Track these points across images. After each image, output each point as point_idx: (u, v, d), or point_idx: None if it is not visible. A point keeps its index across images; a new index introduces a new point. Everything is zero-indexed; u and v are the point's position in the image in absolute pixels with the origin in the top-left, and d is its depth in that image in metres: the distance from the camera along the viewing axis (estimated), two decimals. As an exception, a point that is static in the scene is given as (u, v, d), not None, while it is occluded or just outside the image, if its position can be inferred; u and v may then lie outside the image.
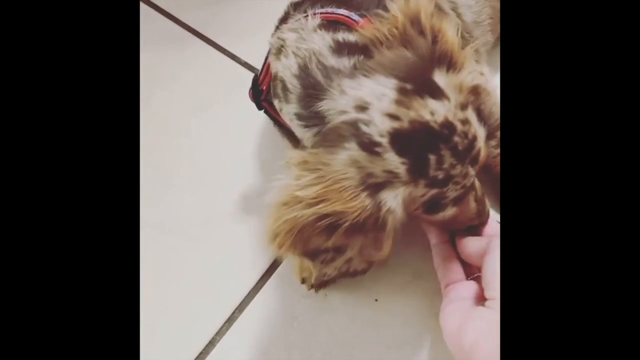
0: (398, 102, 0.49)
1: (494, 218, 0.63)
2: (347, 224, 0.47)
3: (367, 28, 0.56)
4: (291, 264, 0.71)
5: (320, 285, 0.68)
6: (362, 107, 0.49)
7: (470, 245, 0.59)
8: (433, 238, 0.64)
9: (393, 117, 0.48)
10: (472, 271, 0.60)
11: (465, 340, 0.49)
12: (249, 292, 0.71)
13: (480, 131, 0.53)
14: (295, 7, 0.66)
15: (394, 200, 0.48)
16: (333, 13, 0.61)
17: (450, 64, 0.52)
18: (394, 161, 0.48)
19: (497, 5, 0.76)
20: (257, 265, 0.73)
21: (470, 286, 0.58)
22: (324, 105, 0.52)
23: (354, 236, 0.50)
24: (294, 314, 0.68)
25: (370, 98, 0.49)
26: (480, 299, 0.54)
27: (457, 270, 0.60)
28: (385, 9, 0.55)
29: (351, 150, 0.48)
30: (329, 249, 0.52)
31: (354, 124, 0.49)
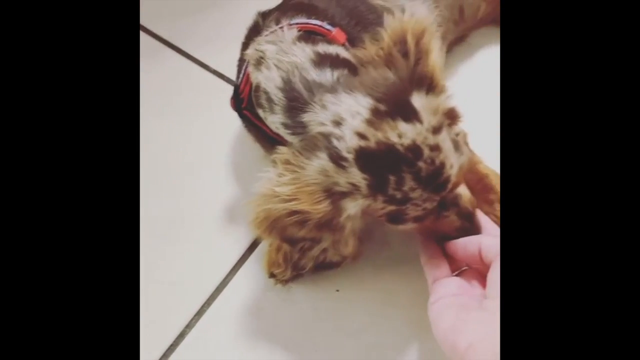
0: (369, 122, 0.52)
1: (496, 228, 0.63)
2: (313, 221, 0.53)
3: (359, 50, 0.60)
4: (258, 259, 0.75)
5: (288, 279, 0.72)
6: (338, 123, 0.53)
7: (458, 244, 0.60)
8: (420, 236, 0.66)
9: (361, 135, 0.52)
10: (458, 265, 0.61)
11: (460, 342, 0.49)
12: (217, 286, 0.74)
13: (453, 159, 0.55)
14: (264, 17, 0.70)
15: (353, 208, 0.54)
16: (307, 23, 0.65)
17: (430, 86, 0.55)
18: (356, 176, 0.52)
19: (446, 13, 0.82)
20: (225, 262, 0.76)
21: (458, 282, 0.58)
22: (306, 117, 0.56)
23: (322, 231, 0.56)
24: (259, 306, 0.72)
25: (345, 115, 0.53)
26: (469, 293, 0.56)
27: (444, 266, 0.61)
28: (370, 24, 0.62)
29: (322, 160, 0.53)
30: (305, 238, 0.58)
31: (327, 137, 0.53)
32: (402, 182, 0.52)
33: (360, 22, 0.70)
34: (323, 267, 0.67)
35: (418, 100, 0.54)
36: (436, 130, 0.54)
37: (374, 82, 0.55)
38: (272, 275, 0.72)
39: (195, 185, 0.84)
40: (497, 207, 0.69)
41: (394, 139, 0.52)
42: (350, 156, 0.52)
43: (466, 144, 0.77)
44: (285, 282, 0.72)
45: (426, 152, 0.52)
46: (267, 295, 0.73)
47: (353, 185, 0.53)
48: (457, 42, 0.92)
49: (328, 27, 0.65)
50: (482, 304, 0.52)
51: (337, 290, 0.71)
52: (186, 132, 0.90)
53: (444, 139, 0.54)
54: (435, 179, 0.53)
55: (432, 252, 0.62)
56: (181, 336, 0.71)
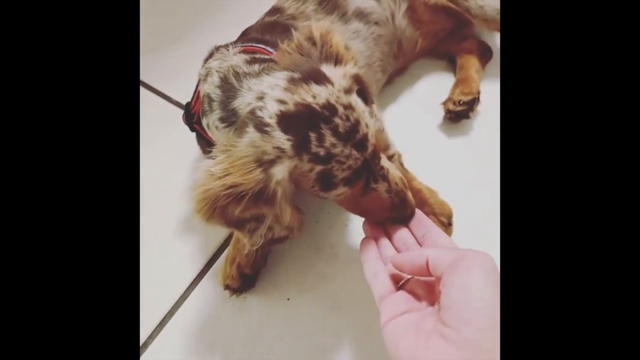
0: (286, 89, 0.57)
1: (441, 233, 0.62)
2: (248, 194, 0.55)
3: (278, 51, 0.67)
4: (215, 274, 0.82)
5: (241, 290, 0.79)
6: (260, 97, 0.58)
7: (405, 259, 0.57)
8: (367, 233, 0.66)
9: (281, 101, 0.56)
10: (400, 277, 0.59)
11: None
12: (178, 299, 0.81)
13: (367, 120, 0.58)
14: (217, 48, 0.77)
15: (280, 172, 0.56)
16: (252, 46, 0.73)
17: (336, 60, 0.62)
18: (280, 138, 0.55)
19: (385, 49, 0.92)
20: (186, 276, 0.83)
21: (405, 297, 0.57)
22: (236, 103, 0.61)
23: (259, 205, 0.57)
24: (217, 316, 0.78)
25: (266, 89, 0.59)
26: (418, 309, 0.55)
27: (387, 283, 0.60)
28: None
29: (250, 133, 0.56)
30: (248, 218, 0.59)
31: (253, 112, 0.57)
32: (322, 138, 0.55)
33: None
34: (274, 242, 0.66)
35: (327, 69, 0.60)
36: (347, 91, 0.58)
37: (289, 63, 0.62)
38: (227, 287, 0.79)
39: (155, 205, 0.91)
40: (431, 218, 0.77)
41: (309, 99, 0.56)
42: (272, 121, 0.56)
43: (401, 163, 0.85)
44: (239, 293, 0.79)
45: (340, 109, 0.56)
46: (224, 306, 0.79)
47: (279, 149, 0.55)
48: (397, 73, 1.01)
49: (270, 49, 0.73)
50: (437, 326, 0.48)
51: (288, 299, 0.78)
52: (147, 156, 0.96)
53: (356, 100, 0.59)
54: (352, 135, 0.56)
55: (375, 270, 0.61)
56: (144, 346, 0.77)
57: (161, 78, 1.11)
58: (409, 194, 0.66)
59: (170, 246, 0.86)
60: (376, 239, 0.65)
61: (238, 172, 0.55)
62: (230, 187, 0.55)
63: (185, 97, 1.04)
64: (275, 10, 0.87)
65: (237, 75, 0.64)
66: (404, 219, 0.65)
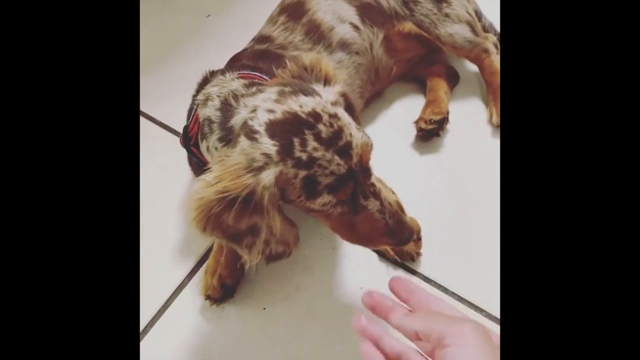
0: (276, 100, 0.61)
1: (449, 305, 0.51)
2: (238, 199, 0.57)
3: (273, 79, 0.70)
4: (196, 284, 0.85)
5: (222, 299, 0.83)
6: (253, 110, 0.62)
7: (409, 320, 0.49)
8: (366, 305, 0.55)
9: (270, 111, 0.60)
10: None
11: None
12: (160, 308, 0.84)
13: (353, 130, 0.60)
14: (212, 74, 0.81)
15: (267, 178, 0.58)
16: (248, 74, 0.77)
17: (326, 81, 0.66)
18: (267, 144, 0.58)
19: (364, 76, 0.97)
20: (167, 286, 0.86)
21: None
22: (233, 120, 0.65)
23: (250, 212, 0.58)
24: (196, 325, 0.82)
25: (259, 102, 0.63)
26: None
27: None
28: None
29: (242, 142, 0.60)
30: (243, 231, 0.60)
31: (245, 122, 0.61)
32: (305, 143, 0.57)
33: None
34: (272, 259, 0.66)
35: (317, 87, 0.64)
36: (334, 103, 0.62)
37: (282, 81, 0.66)
38: (208, 297, 0.83)
39: (140, 221, 0.94)
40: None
41: (296, 108, 0.59)
42: (261, 129, 0.59)
43: (382, 183, 0.89)
44: (219, 302, 0.83)
45: (325, 117, 0.59)
46: (204, 315, 0.82)
47: (266, 155, 0.58)
48: (374, 97, 1.06)
49: (266, 77, 0.77)
50: None
51: (264, 308, 0.82)
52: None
53: (343, 113, 0.62)
54: (335, 141, 0.58)
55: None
56: (126, 354, 0.80)
57: (146, 100, 1.15)
58: (406, 217, 0.65)
59: (152, 258, 0.89)
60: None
61: (229, 178, 0.58)
62: (222, 192, 0.57)
63: (170, 120, 1.10)
64: (264, 38, 0.91)
65: (235, 97, 0.67)
66: (403, 244, 0.65)
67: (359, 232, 0.65)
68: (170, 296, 0.85)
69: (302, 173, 0.58)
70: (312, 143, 0.58)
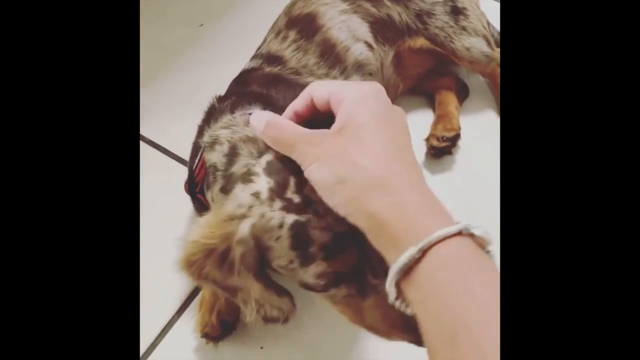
0: None
1: None
2: (216, 252, 0.51)
3: None
4: (189, 320, 0.79)
5: (221, 337, 0.75)
6: (260, 155, 0.55)
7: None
8: None
9: (274, 151, 0.52)
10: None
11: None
12: (153, 341, 0.78)
13: None
14: (219, 100, 0.73)
15: (244, 228, 0.50)
16: None
17: None
18: (261, 182, 0.51)
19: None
20: (159, 321, 0.80)
21: None
22: (234, 168, 0.57)
23: (228, 274, 0.52)
24: (187, 366, 0.75)
25: (262, 145, 0.55)
26: None
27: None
28: None
29: (237, 187, 0.54)
30: (233, 287, 0.54)
31: (246, 167, 0.55)
32: (302, 184, 0.50)
33: None
34: (268, 321, 0.61)
35: None
36: None
37: None
38: (205, 335, 0.75)
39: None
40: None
41: None
42: (260, 169, 0.53)
43: None
44: (217, 341, 0.76)
45: None
46: (197, 354, 0.76)
47: (255, 195, 0.51)
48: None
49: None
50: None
51: (262, 347, 0.75)
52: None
53: None
54: None
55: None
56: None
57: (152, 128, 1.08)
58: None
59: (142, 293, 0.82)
60: None
61: (213, 226, 0.52)
62: (203, 244, 0.51)
63: (159, 138, 1.03)
64: (275, 59, 0.83)
65: (244, 142, 0.59)
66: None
67: (369, 321, 0.54)
68: (162, 330, 0.79)
69: (290, 219, 0.49)
70: (310, 185, 0.48)
